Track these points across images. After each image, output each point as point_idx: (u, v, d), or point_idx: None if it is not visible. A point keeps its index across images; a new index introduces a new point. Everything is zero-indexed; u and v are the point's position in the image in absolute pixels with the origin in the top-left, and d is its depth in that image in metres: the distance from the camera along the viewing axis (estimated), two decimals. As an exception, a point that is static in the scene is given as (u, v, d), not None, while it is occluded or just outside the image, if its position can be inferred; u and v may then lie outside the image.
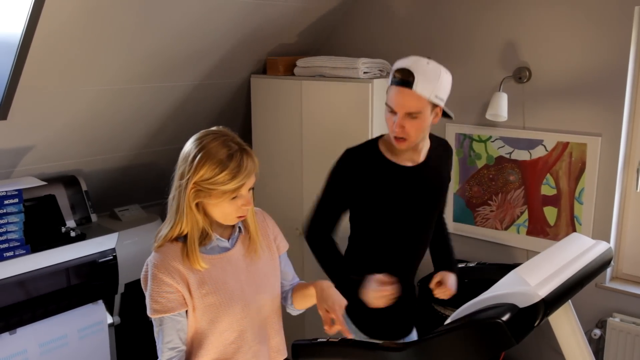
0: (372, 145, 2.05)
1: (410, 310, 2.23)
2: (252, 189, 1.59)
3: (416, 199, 2.04)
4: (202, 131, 1.60)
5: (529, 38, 2.86)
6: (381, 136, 2.09)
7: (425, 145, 2.08)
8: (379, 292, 1.85)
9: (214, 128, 1.61)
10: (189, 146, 1.57)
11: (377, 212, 2.03)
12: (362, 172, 1.99)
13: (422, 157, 2.05)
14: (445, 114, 2.04)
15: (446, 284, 2.08)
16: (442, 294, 2.08)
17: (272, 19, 3.07)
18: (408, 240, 2.09)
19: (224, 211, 1.56)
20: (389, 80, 1.96)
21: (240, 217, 1.59)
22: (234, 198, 1.54)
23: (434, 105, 1.94)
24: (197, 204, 1.55)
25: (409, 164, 2.03)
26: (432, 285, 2.10)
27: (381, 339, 2.07)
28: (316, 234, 2.07)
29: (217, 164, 1.50)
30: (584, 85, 2.74)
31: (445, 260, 2.23)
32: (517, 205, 3.02)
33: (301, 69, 3.23)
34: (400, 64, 1.92)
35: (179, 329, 1.57)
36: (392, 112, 1.92)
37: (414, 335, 2.28)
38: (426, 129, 1.98)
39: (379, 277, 1.89)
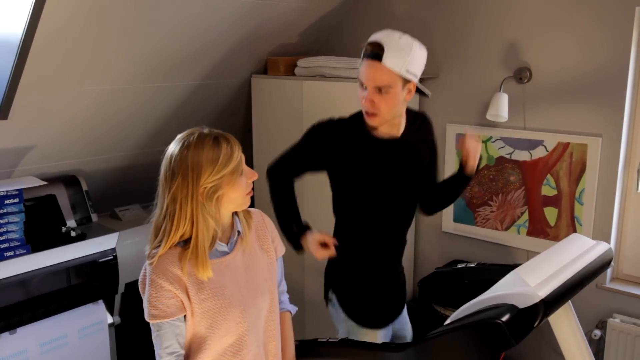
0: (357, 117, 2.01)
1: (399, 290, 2.22)
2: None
3: (394, 173, 2.00)
4: (173, 143, 1.57)
5: (529, 38, 2.86)
6: None
7: (403, 121, 2.04)
8: (317, 244, 1.91)
9: (181, 134, 1.58)
10: (174, 162, 1.52)
11: (356, 184, 2.00)
12: (340, 138, 1.97)
13: (399, 131, 2.01)
14: (420, 92, 2.00)
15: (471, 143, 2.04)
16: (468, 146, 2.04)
17: (272, 19, 3.07)
18: (390, 215, 2.06)
19: (238, 194, 1.57)
20: (361, 54, 1.91)
21: (249, 194, 1.61)
22: (241, 174, 1.56)
23: (406, 81, 1.89)
24: (216, 199, 1.54)
25: (387, 138, 1.99)
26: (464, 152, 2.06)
27: (371, 327, 2.08)
28: (278, 175, 2.07)
29: (211, 154, 1.51)
30: (585, 85, 2.74)
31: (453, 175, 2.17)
32: (518, 206, 3.02)
33: (302, 69, 3.23)
34: (372, 37, 1.88)
35: (178, 333, 1.56)
36: (362, 86, 1.89)
37: (404, 315, 2.27)
38: (398, 105, 1.93)
39: (318, 236, 1.92)
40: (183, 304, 1.55)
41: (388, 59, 1.82)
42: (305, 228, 2.03)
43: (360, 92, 1.90)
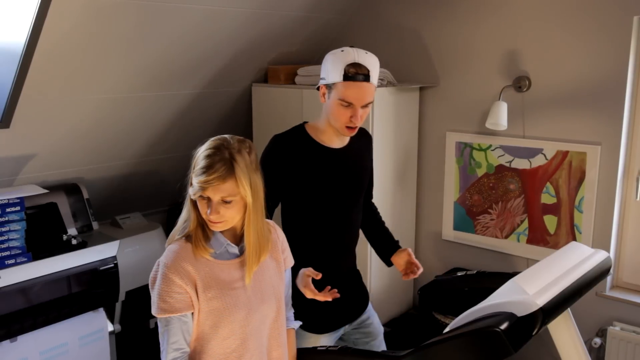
0: (299, 130, 2.11)
1: (356, 292, 2.24)
2: (227, 201, 1.54)
3: (343, 179, 2.10)
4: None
5: (528, 47, 2.87)
6: (305, 122, 2.14)
7: None
8: (307, 289, 1.89)
9: (227, 135, 1.62)
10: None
11: (308, 192, 2.07)
12: (292, 153, 2.04)
13: (346, 140, 2.12)
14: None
15: (414, 261, 2.14)
16: (413, 273, 2.13)
17: (273, 28, 3.09)
18: (339, 221, 2.13)
19: (200, 210, 1.57)
20: (337, 74, 1.96)
21: (210, 222, 1.57)
22: (202, 198, 1.54)
23: None
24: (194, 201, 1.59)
25: (336, 146, 2.09)
26: (404, 273, 2.16)
27: (312, 331, 2.11)
28: None
29: (198, 157, 1.55)
30: (584, 94, 2.75)
31: (389, 242, 2.28)
32: (517, 214, 3.03)
33: (302, 78, 3.25)
34: (349, 58, 1.95)
35: (185, 330, 1.57)
36: (347, 106, 1.96)
37: (367, 313, 2.27)
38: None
39: (306, 271, 1.92)
40: (192, 301, 1.56)
41: (373, 76, 1.97)
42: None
43: (344, 111, 1.97)
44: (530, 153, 2.93)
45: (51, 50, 2.32)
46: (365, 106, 1.98)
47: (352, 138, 2.14)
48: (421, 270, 2.11)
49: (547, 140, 2.88)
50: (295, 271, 1.93)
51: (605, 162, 2.74)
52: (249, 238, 1.61)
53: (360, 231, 2.29)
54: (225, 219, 1.56)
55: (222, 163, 1.51)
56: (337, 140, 2.09)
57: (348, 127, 2.00)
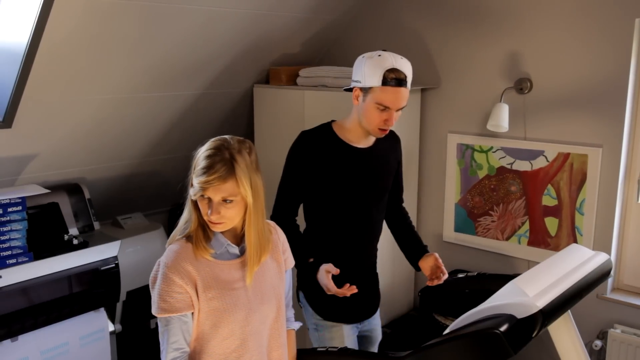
0: (326, 128, 2.16)
1: (370, 293, 2.29)
2: (228, 200, 1.54)
3: (366, 178, 2.14)
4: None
5: (530, 49, 2.87)
6: (333, 121, 2.19)
7: None
8: (326, 285, 1.96)
9: (227, 136, 1.63)
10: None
11: (331, 189, 2.11)
12: (319, 150, 2.09)
13: (371, 140, 2.17)
14: None
15: (440, 266, 2.14)
16: (438, 279, 2.14)
17: (275, 29, 3.10)
18: (361, 219, 2.17)
19: (201, 210, 1.58)
20: (375, 79, 2.01)
21: (211, 223, 1.57)
22: (202, 198, 1.55)
23: None
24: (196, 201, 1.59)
25: (362, 146, 2.14)
26: (430, 278, 2.16)
27: (336, 320, 2.17)
28: (281, 220, 2.14)
29: (199, 157, 1.55)
30: (585, 96, 2.75)
31: (417, 247, 2.29)
32: (518, 216, 3.03)
33: (304, 79, 3.25)
34: (387, 64, 1.99)
35: (185, 330, 1.57)
36: (384, 109, 2.02)
37: (376, 318, 2.35)
38: None
39: (326, 267, 1.98)
40: (192, 300, 1.57)
41: (409, 84, 2.04)
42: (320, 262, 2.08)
43: (380, 114, 2.03)
44: (532, 155, 2.93)
45: (53, 51, 2.33)
46: (399, 109, 2.03)
47: (378, 138, 2.19)
48: (446, 276, 2.12)
49: (548, 142, 2.88)
50: (316, 266, 2.02)
51: (606, 165, 2.74)
52: (249, 238, 1.61)
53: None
54: (226, 219, 1.56)
55: (222, 163, 1.52)
56: (363, 140, 2.14)
57: (381, 129, 2.06)
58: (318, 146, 2.10)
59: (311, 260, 2.08)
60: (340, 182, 2.10)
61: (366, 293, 2.24)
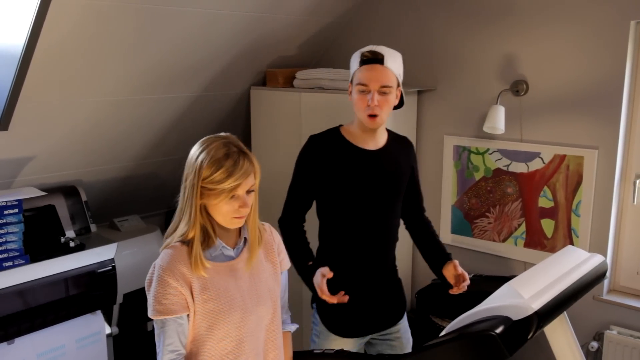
0: (334, 132, 2.16)
1: (392, 299, 2.24)
2: (251, 191, 1.59)
3: (376, 180, 2.12)
4: (206, 136, 1.64)
5: (526, 52, 2.88)
6: (340, 125, 2.19)
7: (383, 134, 2.18)
8: (320, 287, 1.92)
9: (220, 134, 1.64)
10: (194, 149, 1.61)
11: (343, 195, 2.10)
12: (327, 154, 2.09)
13: (380, 143, 2.15)
14: (401, 99, 2.15)
15: (459, 272, 2.08)
16: (462, 287, 2.06)
17: (272, 31, 3.10)
18: (373, 223, 2.14)
19: (221, 212, 1.58)
20: (355, 64, 2.05)
21: (238, 218, 1.59)
22: (232, 198, 1.56)
23: (397, 85, 2.07)
24: (201, 205, 1.58)
25: (371, 148, 2.13)
26: (455, 286, 2.09)
27: (339, 334, 2.12)
28: (287, 223, 2.16)
29: (214, 162, 1.54)
30: (581, 98, 2.76)
31: (439, 255, 2.23)
32: (515, 218, 3.04)
33: (300, 81, 3.26)
34: (365, 48, 2.04)
35: (181, 332, 1.58)
36: (365, 90, 2.01)
37: (403, 324, 2.27)
38: (391, 109, 2.08)
39: (322, 270, 1.94)
40: (187, 302, 1.57)
41: (389, 62, 2.01)
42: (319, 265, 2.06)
43: (362, 97, 2.02)
44: (528, 157, 2.94)
45: (50, 52, 2.33)
46: (383, 93, 2.00)
47: (388, 141, 2.17)
48: (467, 282, 2.05)
49: (544, 144, 2.89)
50: (314, 269, 1.99)
51: (602, 166, 2.75)
52: (254, 223, 1.66)
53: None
54: (249, 209, 1.60)
55: (241, 158, 1.55)
56: (371, 142, 2.13)
57: (370, 116, 2.03)
58: (327, 149, 2.09)
59: (310, 263, 2.07)
60: (350, 184, 2.09)
61: (384, 302, 2.20)
